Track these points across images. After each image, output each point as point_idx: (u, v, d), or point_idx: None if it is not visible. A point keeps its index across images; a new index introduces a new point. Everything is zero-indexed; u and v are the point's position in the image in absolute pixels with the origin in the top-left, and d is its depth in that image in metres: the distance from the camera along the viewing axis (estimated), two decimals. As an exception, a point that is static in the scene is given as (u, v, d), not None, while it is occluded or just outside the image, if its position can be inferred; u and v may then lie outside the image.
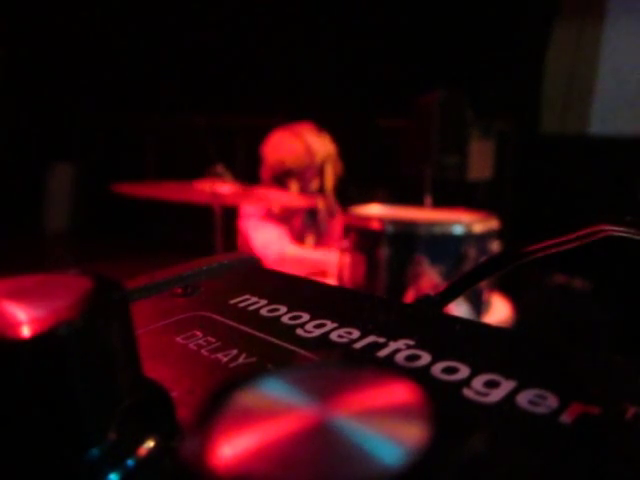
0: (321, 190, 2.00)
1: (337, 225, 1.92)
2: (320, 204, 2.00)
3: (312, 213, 2.02)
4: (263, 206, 1.97)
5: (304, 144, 1.92)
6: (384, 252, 1.73)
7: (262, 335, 0.26)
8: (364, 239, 1.79)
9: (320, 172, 1.98)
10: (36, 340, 0.15)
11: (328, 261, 1.84)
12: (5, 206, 4.22)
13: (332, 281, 1.75)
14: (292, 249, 1.90)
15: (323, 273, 1.81)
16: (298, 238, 2.00)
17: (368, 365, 0.14)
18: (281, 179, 1.95)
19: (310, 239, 2.02)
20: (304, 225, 2.02)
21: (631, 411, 0.18)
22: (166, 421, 0.18)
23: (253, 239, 1.91)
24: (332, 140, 2.01)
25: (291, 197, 1.94)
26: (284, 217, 1.99)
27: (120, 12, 3.82)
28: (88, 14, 3.90)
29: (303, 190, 1.96)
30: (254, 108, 3.63)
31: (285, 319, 0.28)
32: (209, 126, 3.93)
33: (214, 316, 0.29)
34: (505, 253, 0.36)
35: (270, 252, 1.84)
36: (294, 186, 1.94)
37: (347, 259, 1.82)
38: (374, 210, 2.05)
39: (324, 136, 1.99)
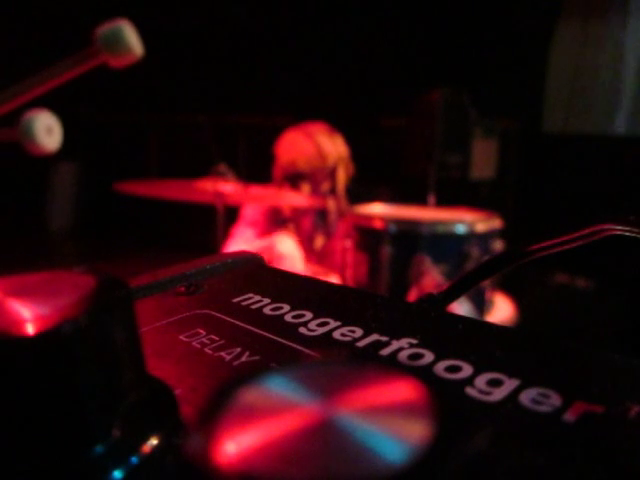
0: (332, 191, 2.00)
1: (343, 226, 1.92)
2: (331, 205, 2.00)
3: (322, 214, 2.02)
4: (265, 208, 1.97)
5: (316, 146, 1.92)
6: (387, 251, 1.73)
7: (265, 333, 0.26)
8: (367, 238, 1.79)
9: (331, 174, 1.97)
10: (40, 338, 0.15)
11: (271, 244, 1.81)
12: (9, 204, 4.23)
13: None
14: (249, 245, 1.89)
15: (268, 254, 1.78)
16: (307, 239, 2.00)
17: (372, 363, 0.14)
18: (292, 180, 1.95)
19: (319, 240, 2.01)
20: (314, 226, 2.02)
21: (634, 410, 0.18)
22: (170, 418, 0.19)
23: (231, 237, 1.93)
24: (344, 141, 2.01)
25: (296, 197, 1.94)
26: (293, 217, 1.99)
27: (121, 11, 3.82)
28: (90, 13, 3.91)
29: (314, 192, 1.95)
30: (257, 107, 3.63)
31: (288, 317, 0.28)
32: (212, 125, 3.93)
33: (217, 314, 0.29)
34: (508, 252, 0.36)
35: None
36: (305, 187, 1.94)
37: (350, 258, 1.81)
38: (377, 209, 2.05)
39: (337, 137, 1.98)
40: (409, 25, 3.27)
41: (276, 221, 1.99)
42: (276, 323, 0.28)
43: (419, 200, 2.27)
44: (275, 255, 1.77)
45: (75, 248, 4.57)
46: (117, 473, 0.16)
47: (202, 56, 3.91)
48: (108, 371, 0.17)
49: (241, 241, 1.91)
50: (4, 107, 0.69)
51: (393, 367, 0.14)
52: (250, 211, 1.98)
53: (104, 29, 0.66)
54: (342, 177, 2.00)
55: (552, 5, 3.07)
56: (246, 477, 0.11)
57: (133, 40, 0.67)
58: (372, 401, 0.13)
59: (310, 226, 2.02)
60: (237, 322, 0.28)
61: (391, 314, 0.28)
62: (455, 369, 0.22)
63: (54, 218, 4.73)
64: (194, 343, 0.26)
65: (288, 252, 1.79)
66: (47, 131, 0.69)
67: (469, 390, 0.20)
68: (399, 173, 2.80)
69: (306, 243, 1.98)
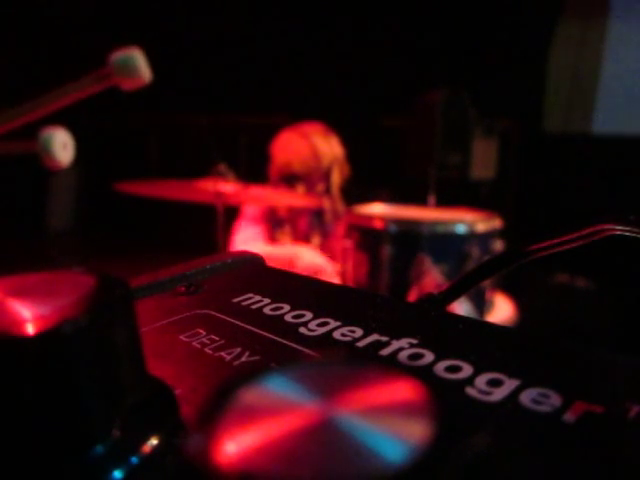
0: (328, 192, 2.00)
1: (342, 226, 1.92)
2: (326, 205, 2.00)
3: (318, 214, 2.02)
4: (265, 206, 1.97)
5: (311, 147, 1.91)
6: (387, 251, 1.73)
7: (265, 333, 0.26)
8: (367, 238, 1.79)
9: (326, 175, 1.97)
10: (41, 338, 0.15)
11: (293, 255, 1.82)
12: (9, 204, 4.23)
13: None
14: (260, 248, 1.90)
15: (291, 267, 1.79)
16: (304, 238, 2.00)
17: (372, 363, 0.14)
18: (288, 180, 1.95)
19: (316, 240, 2.01)
20: (310, 225, 2.02)
21: (634, 410, 0.18)
22: (170, 418, 0.19)
23: (233, 240, 1.93)
24: (340, 141, 2.00)
25: (295, 197, 1.94)
26: (289, 217, 1.99)
27: (121, 11, 3.82)
28: (90, 14, 3.91)
29: (309, 192, 1.95)
30: (257, 107, 3.63)
31: (288, 317, 0.28)
32: (212, 125, 3.93)
33: (217, 314, 0.29)
34: (508, 252, 0.36)
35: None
36: (300, 188, 1.94)
37: (350, 258, 1.82)
38: (377, 209, 2.05)
39: (332, 138, 1.98)
40: (409, 25, 3.27)
41: (273, 221, 1.99)
42: (276, 323, 0.28)
43: (419, 200, 2.27)
44: (301, 267, 1.77)
45: (75, 248, 4.57)
46: (117, 473, 0.16)
47: (202, 56, 3.91)
48: (108, 371, 0.17)
49: (245, 239, 1.91)
50: (22, 120, 0.76)
51: (393, 367, 0.14)
52: (251, 209, 1.98)
53: (118, 55, 0.73)
54: (337, 178, 2.00)
55: (552, 5, 3.07)
56: (246, 477, 0.11)
57: (143, 67, 0.74)
58: (372, 401, 0.13)
59: (306, 226, 2.02)
60: (237, 322, 0.28)
61: (391, 314, 0.28)
62: (455, 369, 0.22)
63: (54, 218, 4.72)
64: (194, 343, 0.26)
65: (314, 264, 1.79)
66: (63, 147, 0.77)
67: (469, 390, 0.20)
68: (399, 173, 2.79)
69: (303, 243, 1.98)
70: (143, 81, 0.75)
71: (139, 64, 0.73)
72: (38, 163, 0.76)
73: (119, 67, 0.73)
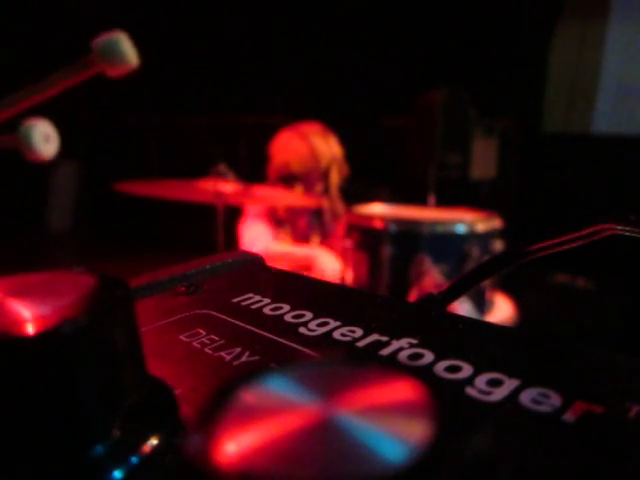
0: (326, 192, 2.00)
1: (341, 226, 1.92)
2: (325, 205, 2.00)
3: (318, 213, 2.02)
4: (265, 205, 1.97)
5: (309, 147, 1.91)
6: (387, 251, 1.73)
7: (265, 333, 0.26)
8: (367, 238, 1.79)
9: (325, 175, 1.97)
10: (40, 338, 0.15)
11: (311, 257, 1.83)
12: (9, 204, 4.23)
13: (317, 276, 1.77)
14: (275, 245, 1.91)
15: (307, 268, 1.81)
16: (303, 238, 2.00)
17: (372, 363, 0.14)
18: (286, 180, 1.95)
19: (315, 239, 2.01)
20: (309, 225, 2.02)
21: (634, 410, 0.18)
22: (170, 418, 0.19)
23: (242, 236, 1.93)
24: (339, 141, 2.00)
25: (296, 197, 1.94)
26: (288, 217, 1.99)
27: (120, 11, 3.82)
28: (91, 13, 3.91)
29: (307, 192, 1.95)
30: (257, 107, 3.63)
31: (288, 317, 0.28)
32: (212, 125, 3.93)
33: (217, 314, 0.29)
34: (508, 252, 0.36)
35: (255, 248, 1.85)
36: (298, 188, 1.94)
37: (350, 258, 1.82)
38: (377, 209, 2.05)
39: (331, 137, 1.98)
40: (409, 25, 3.27)
41: (274, 221, 1.99)
42: (276, 323, 0.28)
43: (419, 200, 2.27)
44: (316, 269, 1.78)
45: (75, 248, 4.57)
46: (117, 473, 0.16)
47: (202, 56, 3.91)
48: (108, 371, 0.17)
49: (256, 237, 1.91)
50: (3, 114, 0.71)
51: (393, 367, 0.14)
52: (254, 207, 1.98)
53: (101, 40, 0.68)
54: (335, 177, 2.00)
55: (552, 5, 3.07)
56: (246, 477, 0.11)
57: (129, 51, 0.68)
58: (372, 401, 0.13)
59: (306, 226, 2.02)
60: (237, 322, 0.28)
61: (391, 314, 0.28)
62: (455, 369, 0.22)
63: (54, 218, 4.72)
64: (194, 343, 0.26)
65: (331, 269, 1.81)
66: (45, 139, 0.72)
67: (469, 390, 0.20)
68: (399, 173, 2.80)
69: (302, 243, 1.98)
70: (130, 66, 0.69)
71: (124, 48, 0.68)
72: (21, 157, 0.72)
73: (103, 52, 0.67)
